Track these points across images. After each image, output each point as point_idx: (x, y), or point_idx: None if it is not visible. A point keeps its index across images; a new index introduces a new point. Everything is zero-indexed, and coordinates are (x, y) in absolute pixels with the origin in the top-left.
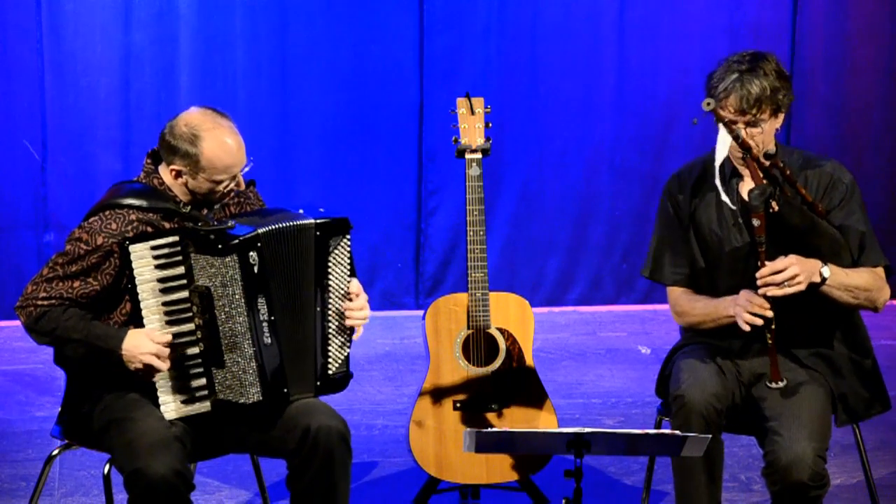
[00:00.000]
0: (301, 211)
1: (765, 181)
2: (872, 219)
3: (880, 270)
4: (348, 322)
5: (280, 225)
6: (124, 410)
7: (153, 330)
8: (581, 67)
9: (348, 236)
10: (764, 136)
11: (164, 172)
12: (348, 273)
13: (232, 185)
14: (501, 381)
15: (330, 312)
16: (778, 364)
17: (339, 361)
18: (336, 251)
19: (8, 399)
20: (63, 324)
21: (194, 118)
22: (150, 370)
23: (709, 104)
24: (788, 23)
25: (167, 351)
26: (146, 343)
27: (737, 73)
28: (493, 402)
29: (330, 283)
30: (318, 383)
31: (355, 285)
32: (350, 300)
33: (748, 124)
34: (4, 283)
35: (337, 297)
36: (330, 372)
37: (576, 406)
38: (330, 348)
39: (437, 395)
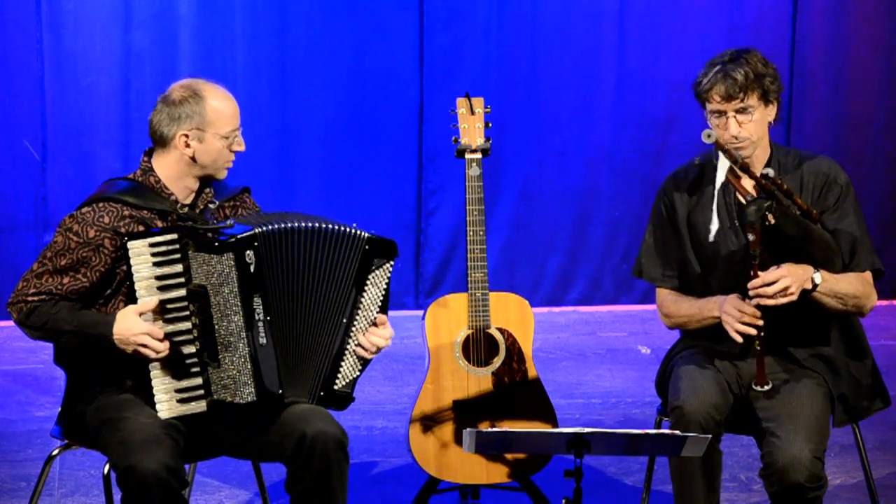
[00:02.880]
0: (354, 225)
1: (762, 195)
2: (872, 219)
3: (868, 276)
4: (367, 341)
5: (287, 225)
6: (117, 410)
7: (141, 306)
8: (581, 67)
9: (392, 262)
10: (755, 125)
11: (164, 163)
12: (381, 298)
13: (238, 145)
14: (501, 381)
15: (354, 329)
16: (764, 368)
17: (347, 380)
18: (377, 272)
19: (8, 399)
20: (53, 317)
21: (184, 82)
22: (146, 352)
23: (709, 136)
24: (788, 23)
25: (159, 331)
26: (137, 323)
27: (719, 65)
28: (492, 403)
29: (363, 300)
30: (322, 393)
31: (383, 318)
32: (376, 325)
33: (738, 111)
34: (4, 284)
35: (364, 316)
36: (336, 387)
37: (576, 406)
38: (343, 364)
39: (437, 395)
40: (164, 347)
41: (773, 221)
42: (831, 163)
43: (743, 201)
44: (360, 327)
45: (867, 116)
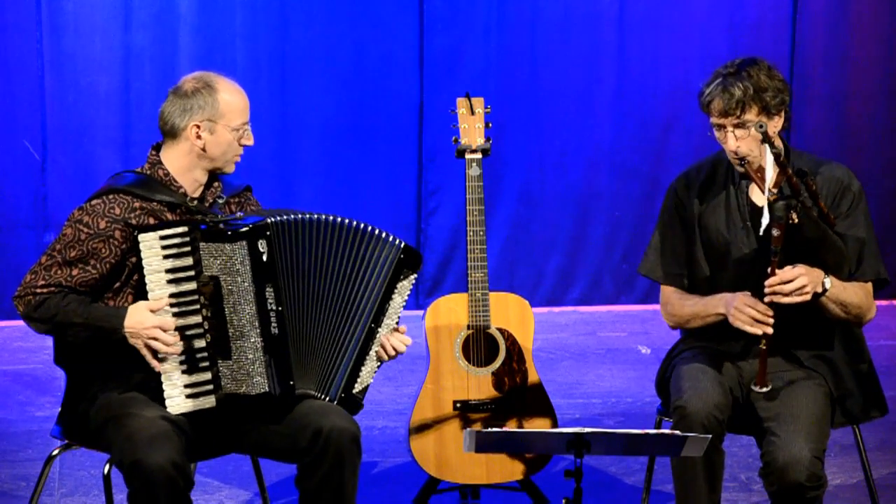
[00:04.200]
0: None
1: (782, 194)
2: (872, 219)
3: (869, 287)
4: (390, 343)
5: (300, 217)
6: (121, 407)
7: (152, 303)
8: (581, 67)
9: (416, 274)
10: (753, 140)
11: (173, 155)
12: (402, 308)
13: (247, 139)
14: (501, 381)
15: (377, 336)
16: (766, 369)
17: (363, 386)
18: (404, 282)
19: (8, 399)
20: (63, 309)
21: (196, 74)
22: (157, 346)
23: (760, 126)
24: (789, 22)
25: (170, 323)
26: (148, 317)
27: (721, 77)
28: (492, 403)
29: (389, 308)
30: (343, 395)
31: (403, 328)
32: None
33: (736, 126)
34: (4, 283)
35: (387, 325)
36: (354, 391)
37: (576, 406)
38: (363, 369)
39: (437, 395)
40: (174, 341)
41: (796, 220)
42: (846, 170)
43: (758, 203)
44: (383, 333)
45: (867, 116)
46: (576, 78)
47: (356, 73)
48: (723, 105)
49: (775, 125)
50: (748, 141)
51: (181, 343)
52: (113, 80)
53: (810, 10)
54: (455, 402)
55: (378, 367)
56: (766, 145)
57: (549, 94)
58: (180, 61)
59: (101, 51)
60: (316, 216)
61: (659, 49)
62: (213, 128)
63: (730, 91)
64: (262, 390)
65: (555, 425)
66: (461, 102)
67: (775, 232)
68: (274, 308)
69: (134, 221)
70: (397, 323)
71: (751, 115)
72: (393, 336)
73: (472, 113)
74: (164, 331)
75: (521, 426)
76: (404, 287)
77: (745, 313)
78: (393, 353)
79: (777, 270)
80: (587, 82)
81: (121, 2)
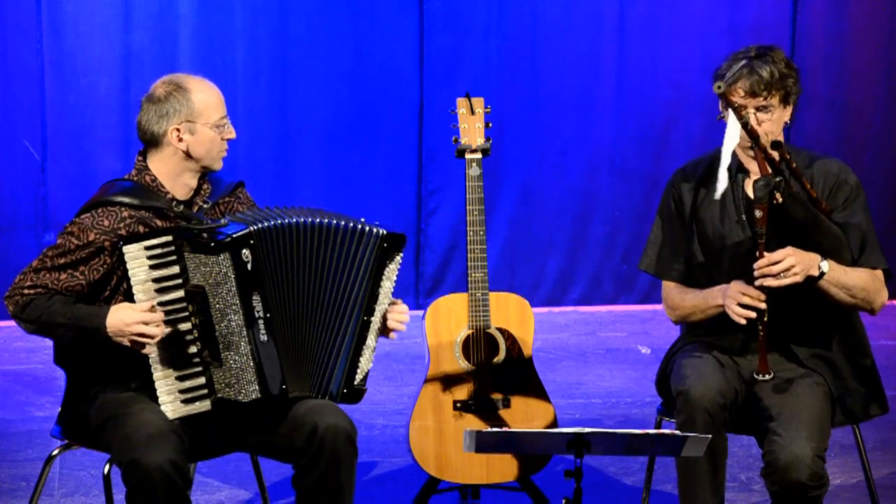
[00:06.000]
0: (363, 219)
1: (770, 172)
2: (873, 218)
3: (879, 273)
4: (391, 323)
5: (284, 221)
6: (121, 406)
7: (136, 307)
8: (581, 67)
9: (402, 254)
10: (773, 124)
11: (159, 161)
12: (393, 289)
13: (229, 133)
14: (501, 381)
15: (372, 325)
16: (766, 357)
17: (363, 374)
18: (391, 266)
19: (8, 399)
20: (47, 309)
21: (165, 79)
22: (143, 340)
23: (719, 87)
24: (788, 23)
25: (156, 316)
26: (130, 314)
27: (745, 59)
28: (493, 399)
29: (380, 294)
30: (346, 391)
31: (395, 300)
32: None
33: (758, 109)
34: (4, 283)
35: (380, 311)
36: (355, 382)
37: (576, 406)
38: (361, 359)
39: (437, 394)
40: (160, 332)
41: (780, 200)
42: (842, 164)
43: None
44: (377, 320)
45: (867, 116)
46: (576, 78)
47: (356, 73)
48: (751, 86)
49: (785, 115)
50: (768, 125)
51: (167, 328)
52: (113, 81)
53: (809, 12)
54: (455, 402)
55: (375, 347)
56: (731, 110)
57: (549, 94)
58: (180, 61)
59: (101, 51)
60: (302, 219)
61: (658, 50)
62: (192, 128)
63: (758, 73)
64: (255, 397)
65: (555, 425)
66: (461, 102)
67: (758, 213)
68: (262, 315)
69: (123, 231)
70: (390, 301)
71: (774, 101)
72: (395, 313)
73: (472, 113)
74: (147, 324)
75: (521, 426)
76: (392, 270)
77: (734, 298)
78: (394, 325)
79: (766, 253)
80: (587, 82)
81: (121, 2)
